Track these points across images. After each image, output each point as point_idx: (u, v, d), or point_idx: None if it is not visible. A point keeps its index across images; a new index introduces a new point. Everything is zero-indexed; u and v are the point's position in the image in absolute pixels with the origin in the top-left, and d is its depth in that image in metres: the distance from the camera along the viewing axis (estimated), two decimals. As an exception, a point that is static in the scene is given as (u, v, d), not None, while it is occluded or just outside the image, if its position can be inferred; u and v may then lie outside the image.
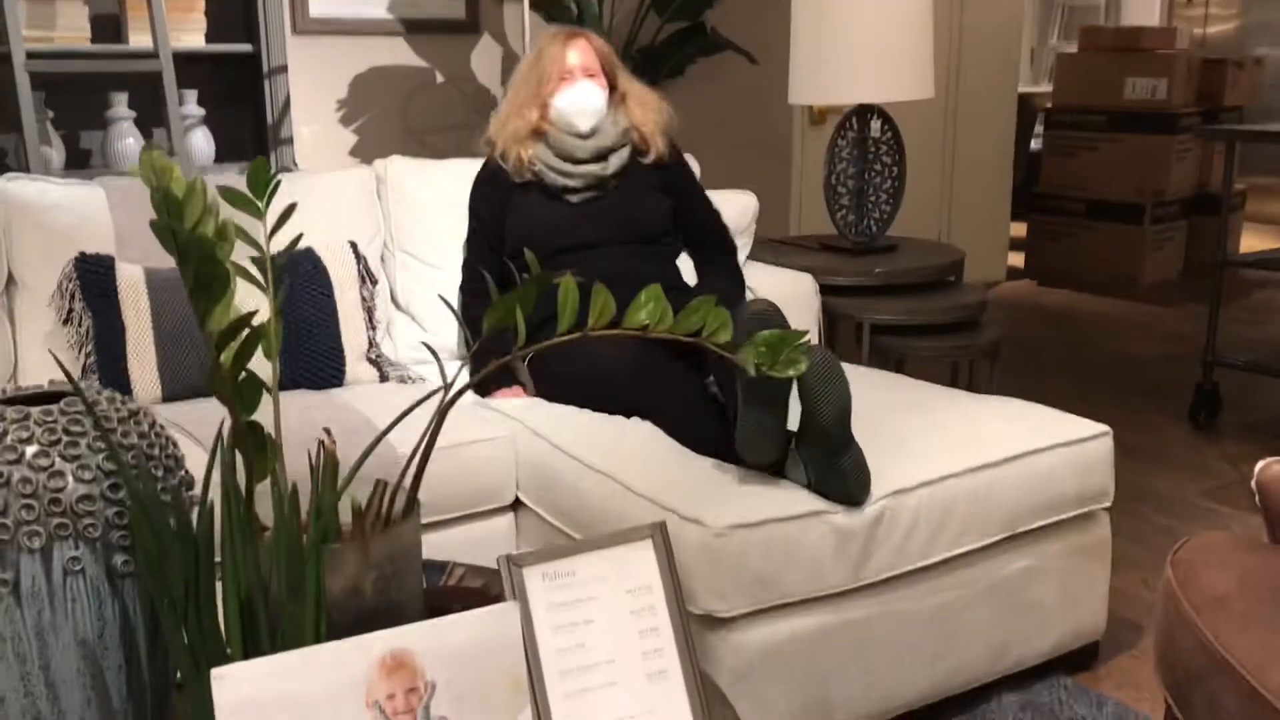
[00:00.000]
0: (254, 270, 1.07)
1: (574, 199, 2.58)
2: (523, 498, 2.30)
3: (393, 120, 4.38)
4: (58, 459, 0.96)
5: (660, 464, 2.04)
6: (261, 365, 2.21)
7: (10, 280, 2.43)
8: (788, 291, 2.83)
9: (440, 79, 4.46)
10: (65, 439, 0.98)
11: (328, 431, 1.25)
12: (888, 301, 3.01)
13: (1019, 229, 6.54)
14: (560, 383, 2.43)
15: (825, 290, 3.05)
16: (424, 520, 2.21)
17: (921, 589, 2.02)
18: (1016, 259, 6.53)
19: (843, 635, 1.94)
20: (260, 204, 1.13)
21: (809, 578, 1.87)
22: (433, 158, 2.90)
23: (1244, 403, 3.98)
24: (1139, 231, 6.04)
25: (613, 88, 2.63)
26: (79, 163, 3.77)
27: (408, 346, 2.78)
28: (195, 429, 2.12)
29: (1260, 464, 1.65)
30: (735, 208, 2.90)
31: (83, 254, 2.35)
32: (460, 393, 1.23)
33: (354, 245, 2.60)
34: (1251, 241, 6.87)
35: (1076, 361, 4.70)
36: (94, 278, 2.33)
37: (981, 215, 6.12)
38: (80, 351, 2.33)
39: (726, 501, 1.86)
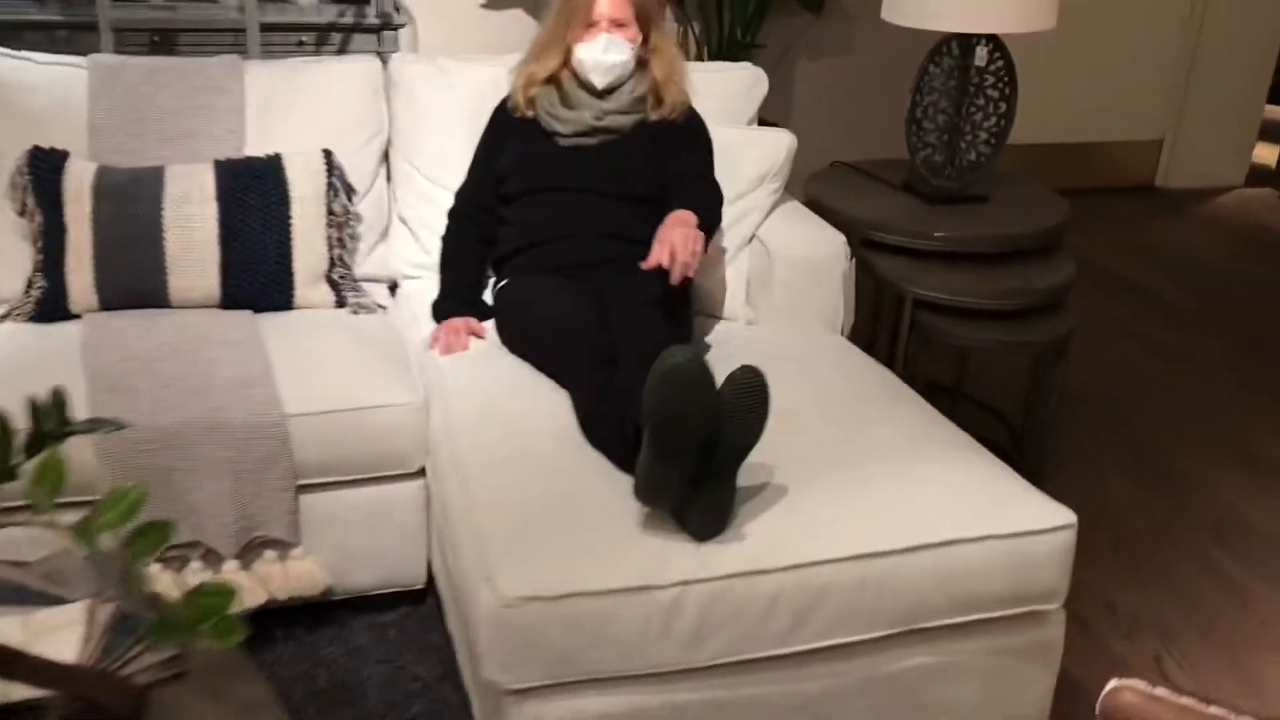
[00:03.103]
0: None
1: (562, 142, 2.39)
2: (429, 469, 2.17)
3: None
4: None
5: (523, 479, 1.84)
6: (204, 283, 2.11)
7: (-12, 160, 2.42)
8: (809, 253, 2.46)
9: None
10: None
11: None
12: (946, 273, 2.60)
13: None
14: (507, 328, 2.29)
15: (877, 248, 2.67)
16: (327, 479, 2.14)
17: (780, 675, 1.77)
18: (1269, 153, 5.61)
19: (671, 717, 1.74)
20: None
21: (625, 655, 1.67)
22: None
23: None
24: None
25: (646, 37, 2.41)
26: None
27: (402, 261, 2.63)
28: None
29: (1108, 686, 1.31)
30: (766, 148, 2.52)
31: (36, 148, 2.30)
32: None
33: (328, 154, 2.43)
34: None
35: (1254, 337, 4.03)
36: (44, 175, 2.28)
37: (1227, 105, 5.26)
38: (35, 247, 2.32)
39: (542, 558, 1.66)
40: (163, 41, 3.56)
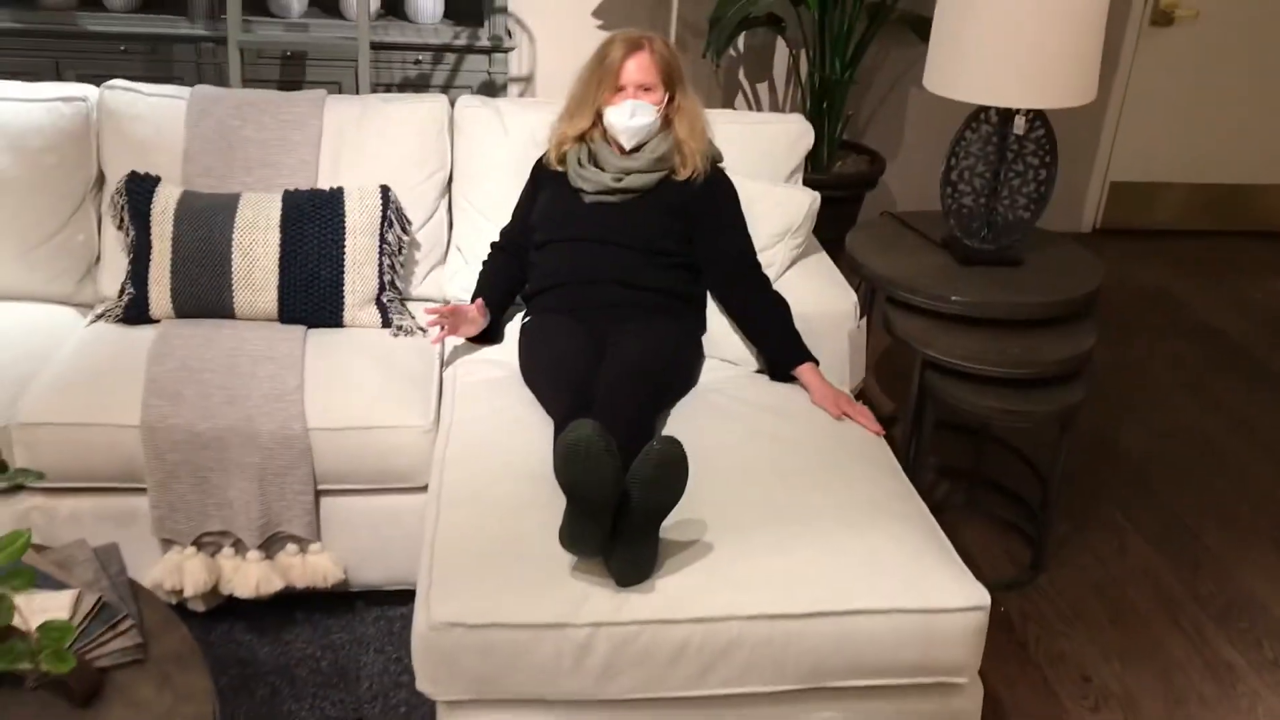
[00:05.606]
0: None
1: (586, 199, 2.60)
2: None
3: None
4: None
5: (487, 516, 2.05)
6: (265, 300, 2.39)
7: (102, 179, 2.78)
8: (816, 310, 2.59)
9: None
10: None
11: None
12: (961, 336, 2.68)
13: None
14: (522, 362, 2.50)
15: (901, 307, 2.77)
16: (345, 486, 2.41)
17: (692, 714, 1.95)
18: None
19: (584, 740, 1.94)
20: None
21: (539, 683, 1.88)
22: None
23: None
24: None
25: (671, 98, 2.60)
26: (326, 7, 4.06)
27: (456, 285, 2.88)
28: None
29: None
30: (787, 206, 2.66)
31: (133, 173, 2.65)
32: None
33: (385, 189, 2.70)
34: None
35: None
36: (137, 196, 2.62)
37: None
38: (128, 258, 2.67)
39: (473, 591, 1.88)
40: (294, 58, 3.91)
